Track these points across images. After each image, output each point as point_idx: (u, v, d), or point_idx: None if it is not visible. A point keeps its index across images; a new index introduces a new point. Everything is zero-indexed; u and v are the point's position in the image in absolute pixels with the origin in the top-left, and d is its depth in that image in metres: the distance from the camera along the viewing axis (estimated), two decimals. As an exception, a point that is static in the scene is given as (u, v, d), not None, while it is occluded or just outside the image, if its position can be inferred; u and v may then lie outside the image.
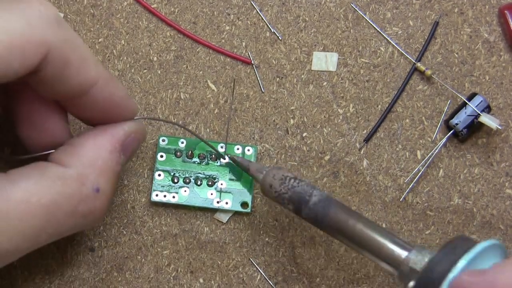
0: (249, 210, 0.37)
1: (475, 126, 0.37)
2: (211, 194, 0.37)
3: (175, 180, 0.37)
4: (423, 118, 0.38)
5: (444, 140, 0.38)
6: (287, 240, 0.37)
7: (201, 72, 0.39)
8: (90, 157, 0.31)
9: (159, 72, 0.39)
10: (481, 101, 0.37)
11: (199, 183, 0.37)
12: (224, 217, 0.38)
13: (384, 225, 0.37)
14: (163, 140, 0.38)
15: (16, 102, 0.32)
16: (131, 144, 0.33)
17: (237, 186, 0.37)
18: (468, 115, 0.37)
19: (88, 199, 0.30)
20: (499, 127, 0.36)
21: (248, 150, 0.37)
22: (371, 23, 0.39)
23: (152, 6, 0.40)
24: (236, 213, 0.38)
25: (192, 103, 0.39)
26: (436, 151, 0.38)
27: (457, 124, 0.37)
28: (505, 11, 0.38)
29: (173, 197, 0.37)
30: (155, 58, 0.39)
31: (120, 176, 0.33)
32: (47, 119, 0.32)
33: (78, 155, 0.31)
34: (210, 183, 0.37)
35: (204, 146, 0.37)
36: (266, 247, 0.37)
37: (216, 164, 0.37)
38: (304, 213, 0.32)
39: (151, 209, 0.38)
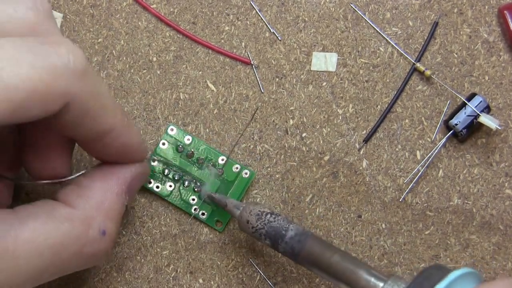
0: (221, 230, 0.37)
1: (474, 127, 0.37)
2: (193, 199, 0.37)
3: (165, 172, 0.37)
4: (423, 118, 0.38)
5: (443, 140, 0.38)
6: (287, 241, 0.37)
7: (200, 73, 0.39)
8: (98, 200, 0.31)
9: (159, 72, 0.39)
10: (481, 101, 0.37)
11: (186, 184, 0.37)
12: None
13: (383, 226, 0.37)
14: (172, 130, 0.38)
15: (27, 129, 0.32)
16: (135, 186, 0.34)
17: None
18: (468, 116, 0.37)
19: (94, 241, 0.30)
20: (499, 128, 0.36)
21: (246, 173, 0.37)
22: (370, 23, 0.39)
23: (152, 7, 0.40)
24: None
25: (192, 103, 0.39)
26: (436, 151, 0.38)
27: (456, 124, 0.37)
28: (505, 11, 0.38)
29: (157, 187, 0.37)
30: (154, 59, 0.39)
31: (123, 217, 0.34)
32: (52, 151, 0.32)
33: (86, 196, 0.31)
34: (196, 189, 0.37)
35: (206, 151, 0.37)
36: (265, 247, 0.37)
37: (210, 173, 0.37)
38: (281, 248, 0.33)
39: (150, 209, 0.38)
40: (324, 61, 0.39)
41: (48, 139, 0.32)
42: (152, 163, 0.37)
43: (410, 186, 0.37)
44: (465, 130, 0.37)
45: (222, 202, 0.35)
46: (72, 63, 0.27)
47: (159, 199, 0.38)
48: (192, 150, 0.37)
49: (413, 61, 0.39)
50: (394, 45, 0.39)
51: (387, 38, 0.39)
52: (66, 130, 0.29)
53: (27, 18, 0.28)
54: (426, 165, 0.38)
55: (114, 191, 0.32)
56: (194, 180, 0.37)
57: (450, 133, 0.37)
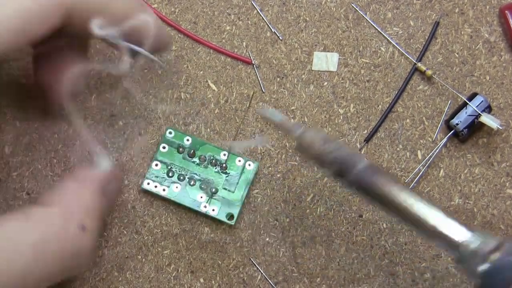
0: (233, 223, 0.37)
1: (475, 126, 0.37)
2: (201, 197, 0.37)
3: (170, 174, 0.37)
4: (424, 118, 0.38)
5: (444, 140, 0.38)
6: (288, 240, 0.37)
7: (201, 72, 0.39)
8: (73, 197, 0.31)
9: (160, 72, 0.39)
10: (482, 101, 0.37)
11: (192, 183, 0.37)
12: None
13: (384, 225, 0.37)
14: (170, 133, 0.38)
15: (39, 48, 0.33)
16: (110, 188, 0.34)
17: (229, 196, 0.37)
18: (469, 115, 0.37)
19: (74, 237, 0.30)
20: (500, 127, 0.36)
21: (249, 165, 0.37)
22: (371, 23, 0.39)
23: (153, 6, 0.40)
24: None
25: (193, 103, 0.39)
26: (437, 151, 0.38)
27: (457, 124, 0.37)
28: (506, 11, 0.38)
29: (164, 190, 0.37)
30: (155, 58, 0.39)
31: (103, 218, 0.34)
32: (67, 64, 0.33)
33: (60, 194, 0.31)
34: (203, 186, 0.37)
35: (207, 148, 0.37)
36: (266, 247, 0.37)
37: (214, 169, 0.37)
38: (352, 175, 0.30)
39: (151, 209, 0.38)
40: (325, 61, 0.39)
41: (61, 54, 0.32)
42: (155, 167, 0.37)
43: (411, 186, 0.37)
44: (466, 130, 0.37)
45: (277, 119, 0.33)
46: None
47: (160, 198, 0.38)
48: (193, 149, 0.37)
49: (414, 61, 0.39)
50: (395, 44, 0.39)
51: (388, 38, 0.39)
52: (82, 32, 0.30)
53: None
54: (427, 164, 0.38)
55: (89, 189, 0.32)
56: (200, 178, 0.37)
57: (451, 132, 0.37)
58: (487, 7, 0.39)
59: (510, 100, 0.38)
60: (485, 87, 0.39)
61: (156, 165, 0.37)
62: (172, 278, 0.37)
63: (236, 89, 0.39)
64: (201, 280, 0.37)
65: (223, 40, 0.39)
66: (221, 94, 0.39)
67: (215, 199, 0.37)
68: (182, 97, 0.39)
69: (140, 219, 0.38)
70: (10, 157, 0.38)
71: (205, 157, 0.37)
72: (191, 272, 0.37)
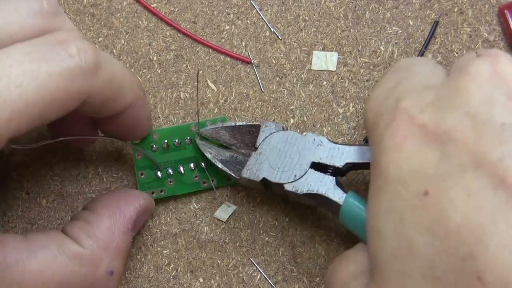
0: (235, 183, 0.37)
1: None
2: (196, 177, 0.37)
3: (159, 174, 0.37)
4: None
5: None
6: (287, 240, 0.37)
7: (200, 72, 0.39)
8: (106, 240, 0.31)
9: (159, 71, 0.39)
10: None
11: (181, 169, 0.37)
12: (224, 216, 0.38)
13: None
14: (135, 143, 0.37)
15: None
16: (141, 221, 0.34)
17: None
18: None
19: (101, 281, 0.31)
20: None
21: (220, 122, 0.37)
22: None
23: (152, 6, 0.40)
24: (235, 212, 0.38)
25: (192, 102, 0.39)
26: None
27: None
28: (505, 11, 0.38)
29: (161, 191, 0.37)
30: (155, 58, 0.39)
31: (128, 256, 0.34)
32: (78, 126, 0.34)
33: (94, 236, 0.31)
34: (192, 166, 0.37)
35: (176, 132, 0.37)
36: (266, 246, 0.37)
37: (192, 146, 0.37)
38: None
39: (151, 208, 0.38)
40: (325, 60, 0.39)
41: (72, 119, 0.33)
42: (141, 177, 0.37)
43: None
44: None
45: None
46: (85, 62, 0.27)
47: (159, 198, 0.38)
48: (165, 141, 0.37)
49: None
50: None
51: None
52: (87, 114, 0.31)
53: (35, 21, 0.28)
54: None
55: (121, 230, 0.32)
56: (186, 161, 0.37)
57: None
58: (486, 6, 0.39)
59: (510, 100, 0.38)
60: (485, 86, 0.38)
61: (142, 174, 0.37)
62: (171, 277, 0.37)
63: (235, 88, 0.39)
64: (201, 280, 0.37)
65: (222, 40, 0.39)
66: (220, 93, 0.39)
67: (209, 170, 0.37)
68: (181, 96, 0.39)
69: (139, 219, 0.38)
70: (9, 157, 0.38)
71: (179, 140, 0.37)
72: (190, 272, 0.37)
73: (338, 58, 0.39)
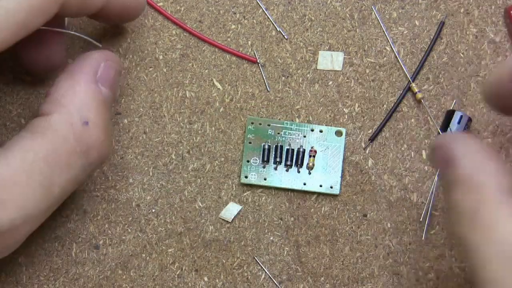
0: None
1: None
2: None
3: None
4: (429, 118, 0.38)
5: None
6: (292, 239, 0.37)
7: (206, 71, 0.39)
8: (68, 97, 0.31)
9: (165, 70, 0.39)
10: (461, 116, 0.37)
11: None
12: (229, 216, 0.38)
13: (389, 225, 0.37)
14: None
15: None
16: (107, 73, 0.33)
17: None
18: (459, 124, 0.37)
19: (82, 134, 0.31)
20: None
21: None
22: (379, 20, 0.39)
23: (158, 5, 0.40)
24: (240, 212, 0.38)
25: (198, 101, 0.39)
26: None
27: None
28: (511, 12, 0.38)
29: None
30: (160, 57, 0.39)
31: (110, 107, 0.34)
32: (45, 40, 0.34)
33: (56, 100, 0.31)
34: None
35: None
36: (270, 246, 0.37)
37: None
38: None
39: (156, 207, 0.38)
40: (331, 60, 0.39)
41: (40, 32, 0.33)
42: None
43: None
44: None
45: None
46: None
47: (164, 196, 0.38)
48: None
49: (409, 78, 0.39)
50: (397, 55, 0.39)
51: (391, 39, 0.39)
52: (70, 15, 0.32)
53: None
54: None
55: (81, 83, 0.32)
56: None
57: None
58: (493, 7, 0.39)
59: (515, 101, 0.38)
60: (490, 87, 0.38)
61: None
62: (176, 276, 0.37)
63: (241, 87, 0.39)
64: (205, 279, 0.37)
65: (228, 39, 0.39)
66: (226, 92, 0.39)
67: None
68: (187, 95, 0.39)
69: (144, 218, 0.38)
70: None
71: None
72: (195, 271, 0.37)
73: (344, 58, 0.39)
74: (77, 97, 0.31)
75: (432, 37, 0.39)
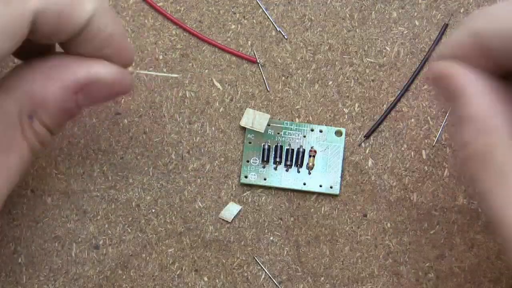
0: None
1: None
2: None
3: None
4: (428, 118, 0.38)
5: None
6: (292, 239, 0.37)
7: (206, 71, 0.39)
8: (33, 88, 0.28)
9: (165, 70, 0.39)
10: None
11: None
12: (229, 216, 0.38)
13: (389, 225, 0.37)
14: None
15: None
16: (96, 90, 0.30)
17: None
18: None
19: (20, 126, 0.29)
20: None
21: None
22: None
23: (158, 5, 0.40)
24: (240, 212, 0.38)
25: (198, 101, 0.39)
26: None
27: None
28: (511, 11, 0.38)
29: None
30: (160, 57, 0.39)
31: (77, 114, 0.30)
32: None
33: (25, 82, 0.29)
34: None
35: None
36: (270, 246, 0.37)
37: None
38: None
39: (156, 207, 0.38)
40: (252, 120, 0.38)
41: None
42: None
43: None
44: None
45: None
46: None
47: (164, 196, 0.38)
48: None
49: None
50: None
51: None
52: (48, 39, 0.28)
53: None
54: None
55: (56, 84, 0.29)
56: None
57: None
58: (493, 7, 0.39)
59: (515, 101, 0.38)
60: (490, 87, 0.38)
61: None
62: (176, 276, 0.37)
63: (241, 87, 0.39)
64: (205, 279, 0.37)
65: (228, 39, 0.39)
66: (226, 92, 0.39)
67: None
68: (187, 95, 0.39)
69: (144, 218, 0.38)
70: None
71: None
72: (195, 271, 0.37)
73: (344, 57, 0.39)
74: (40, 93, 0.28)
75: (432, 37, 0.39)
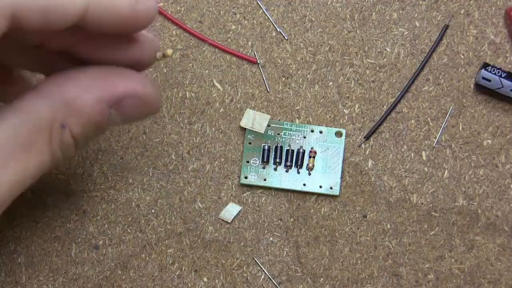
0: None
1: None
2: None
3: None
4: (429, 119, 0.38)
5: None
6: (292, 240, 0.37)
7: (206, 71, 0.39)
8: (69, 96, 0.28)
9: (165, 70, 0.39)
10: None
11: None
12: (229, 217, 0.38)
13: (388, 226, 0.37)
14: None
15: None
16: (131, 106, 0.29)
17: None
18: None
19: (51, 133, 0.28)
20: None
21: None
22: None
23: (159, 5, 0.40)
24: (240, 213, 0.38)
25: (198, 102, 0.39)
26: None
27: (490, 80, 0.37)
28: (512, 13, 0.38)
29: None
30: (161, 57, 0.39)
31: (104, 130, 0.30)
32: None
33: (64, 86, 0.28)
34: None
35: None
36: (270, 246, 0.37)
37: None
38: None
39: (155, 207, 0.38)
40: (253, 119, 0.38)
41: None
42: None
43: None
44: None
45: None
46: None
47: (164, 196, 0.38)
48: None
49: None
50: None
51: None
52: (34, 40, 0.27)
53: None
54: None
55: (93, 96, 0.28)
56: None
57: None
58: (493, 8, 0.39)
59: (515, 102, 0.38)
60: (490, 88, 0.38)
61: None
62: (175, 277, 0.37)
63: (241, 88, 0.39)
64: (205, 279, 0.37)
65: (229, 40, 0.39)
66: (226, 93, 0.39)
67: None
68: (187, 96, 0.39)
69: (144, 218, 0.38)
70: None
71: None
72: (194, 271, 0.37)
73: (345, 58, 0.39)
74: (76, 102, 0.28)
75: (432, 38, 0.39)
